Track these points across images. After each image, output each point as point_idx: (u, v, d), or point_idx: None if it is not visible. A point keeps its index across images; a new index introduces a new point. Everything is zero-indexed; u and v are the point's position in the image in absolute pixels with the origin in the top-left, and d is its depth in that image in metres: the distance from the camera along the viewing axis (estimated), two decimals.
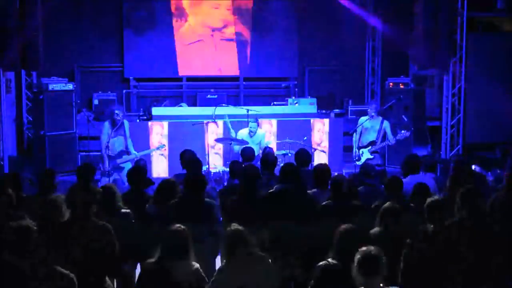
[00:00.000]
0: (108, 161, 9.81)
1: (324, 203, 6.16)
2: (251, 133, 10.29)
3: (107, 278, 5.33)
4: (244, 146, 9.21)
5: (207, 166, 9.80)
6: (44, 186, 6.62)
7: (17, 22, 10.37)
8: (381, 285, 4.25)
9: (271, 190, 6.40)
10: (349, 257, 4.43)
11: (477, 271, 5.08)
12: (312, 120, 11.59)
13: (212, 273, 5.07)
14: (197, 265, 4.91)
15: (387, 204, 5.53)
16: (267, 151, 9.72)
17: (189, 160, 7.64)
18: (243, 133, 10.44)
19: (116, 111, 10.01)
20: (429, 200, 5.39)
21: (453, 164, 7.34)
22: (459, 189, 5.48)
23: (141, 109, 13.34)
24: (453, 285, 5.07)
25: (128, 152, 10.06)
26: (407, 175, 7.31)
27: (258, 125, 10.38)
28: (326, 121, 11.76)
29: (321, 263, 4.79)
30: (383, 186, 6.85)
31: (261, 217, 5.91)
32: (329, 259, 4.79)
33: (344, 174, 10.65)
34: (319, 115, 12.62)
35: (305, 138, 10.51)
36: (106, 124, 10.04)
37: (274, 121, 11.43)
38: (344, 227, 4.90)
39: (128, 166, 9.62)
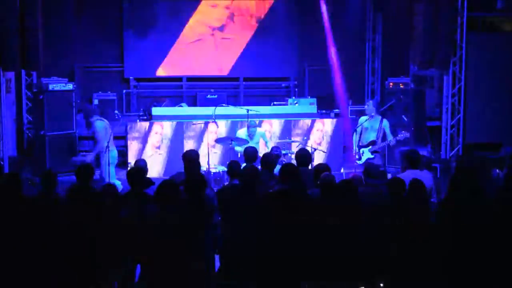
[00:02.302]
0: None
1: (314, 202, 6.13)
2: (251, 136, 10.30)
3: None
4: (247, 146, 9.17)
5: (207, 166, 9.80)
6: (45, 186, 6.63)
7: (17, 22, 10.37)
8: (382, 285, 4.25)
9: (270, 190, 6.38)
10: None
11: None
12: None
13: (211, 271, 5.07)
14: None
15: None
16: (273, 151, 9.72)
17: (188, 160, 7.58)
18: (241, 133, 10.45)
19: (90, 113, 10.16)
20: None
21: (455, 164, 7.32)
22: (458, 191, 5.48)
23: (141, 109, 13.33)
24: None
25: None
26: (405, 169, 7.34)
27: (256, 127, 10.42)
28: (327, 121, 11.77)
29: None
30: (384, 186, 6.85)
31: (260, 217, 5.90)
32: None
33: (344, 174, 10.68)
34: (319, 115, 12.62)
35: (305, 138, 10.52)
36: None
37: (275, 122, 11.43)
38: None
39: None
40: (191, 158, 7.56)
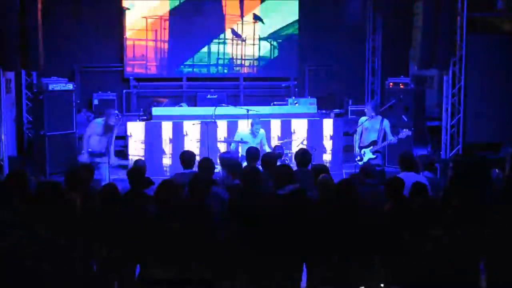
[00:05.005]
0: (87, 154, 9.79)
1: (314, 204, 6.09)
2: (255, 134, 10.30)
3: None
4: (249, 146, 9.15)
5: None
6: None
7: (17, 22, 10.35)
8: (382, 285, 4.25)
9: (283, 192, 6.28)
10: None
11: None
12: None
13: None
14: None
15: None
16: (276, 151, 9.71)
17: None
18: (243, 133, 10.43)
19: (116, 116, 9.97)
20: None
21: (452, 164, 7.32)
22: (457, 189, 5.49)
23: (141, 109, 13.34)
24: None
25: (105, 154, 10.00)
26: (401, 172, 7.36)
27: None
28: (326, 121, 11.78)
29: None
30: (383, 186, 6.85)
31: (262, 217, 5.89)
32: None
33: (344, 174, 10.66)
34: (319, 115, 12.62)
35: (305, 138, 10.52)
36: (100, 122, 9.97)
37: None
38: None
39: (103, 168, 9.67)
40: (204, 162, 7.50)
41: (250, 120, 10.34)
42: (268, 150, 10.12)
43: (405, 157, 7.61)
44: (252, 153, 8.32)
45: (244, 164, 8.12)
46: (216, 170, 9.94)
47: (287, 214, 5.77)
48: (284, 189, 6.17)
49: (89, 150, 9.77)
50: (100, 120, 10.04)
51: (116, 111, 10.09)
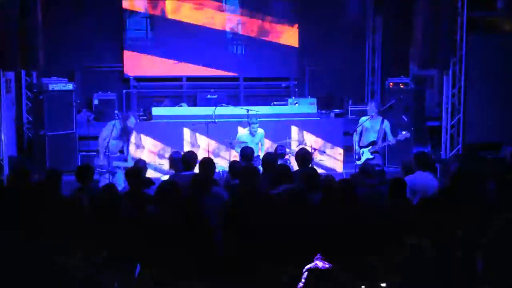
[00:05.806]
0: (107, 161, 9.65)
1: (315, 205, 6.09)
2: (253, 133, 10.30)
3: None
4: (244, 145, 9.17)
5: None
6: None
7: (17, 22, 10.35)
8: (383, 285, 4.26)
9: (278, 191, 6.29)
10: None
11: None
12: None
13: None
14: None
15: None
16: (278, 151, 9.71)
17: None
18: (242, 133, 10.44)
19: (131, 120, 9.87)
20: None
21: (456, 164, 7.32)
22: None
23: (141, 109, 13.34)
24: None
25: (126, 160, 9.91)
26: (413, 172, 7.34)
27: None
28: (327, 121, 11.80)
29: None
30: (382, 186, 6.86)
31: (261, 217, 5.89)
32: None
33: (344, 174, 10.67)
34: (319, 115, 12.62)
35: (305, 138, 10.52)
36: (117, 124, 9.85)
37: None
38: None
39: (119, 172, 9.54)
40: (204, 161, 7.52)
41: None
42: (264, 149, 10.16)
43: (421, 157, 7.56)
44: (247, 152, 8.33)
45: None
46: (216, 170, 10.00)
47: (278, 213, 5.80)
48: (278, 188, 6.19)
49: (106, 152, 9.54)
50: (116, 123, 9.81)
51: (117, 111, 10.00)
